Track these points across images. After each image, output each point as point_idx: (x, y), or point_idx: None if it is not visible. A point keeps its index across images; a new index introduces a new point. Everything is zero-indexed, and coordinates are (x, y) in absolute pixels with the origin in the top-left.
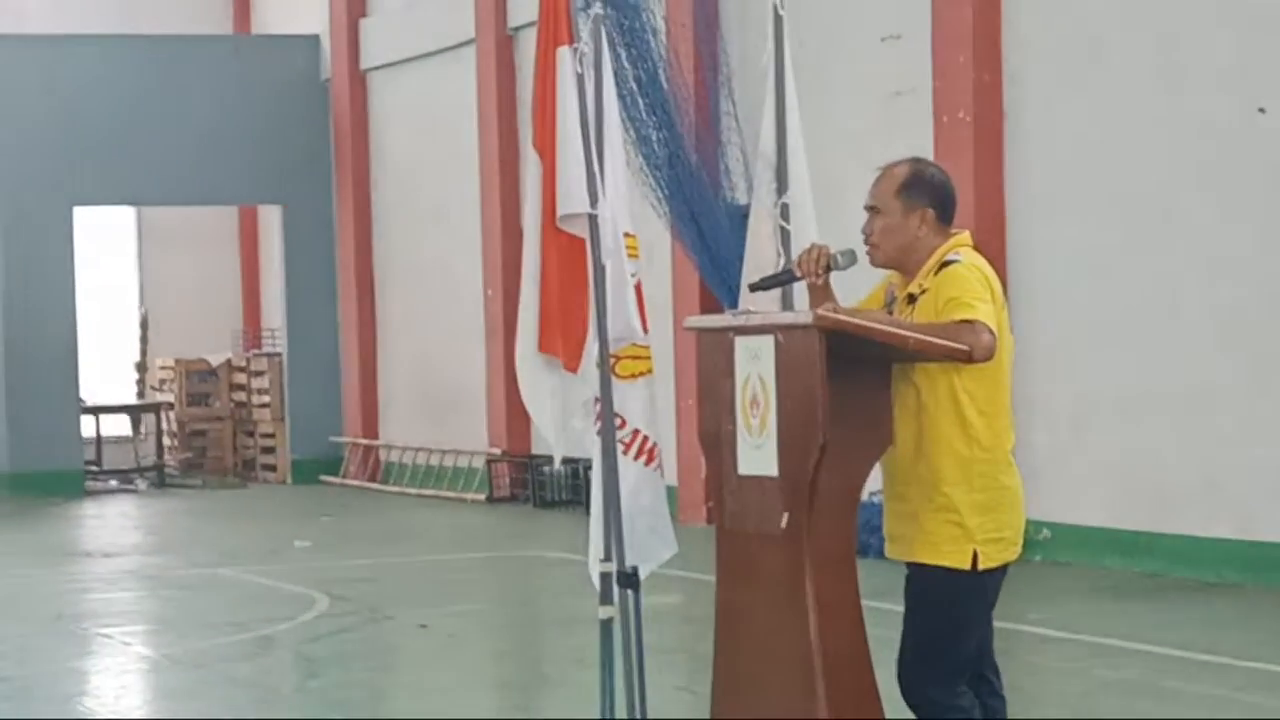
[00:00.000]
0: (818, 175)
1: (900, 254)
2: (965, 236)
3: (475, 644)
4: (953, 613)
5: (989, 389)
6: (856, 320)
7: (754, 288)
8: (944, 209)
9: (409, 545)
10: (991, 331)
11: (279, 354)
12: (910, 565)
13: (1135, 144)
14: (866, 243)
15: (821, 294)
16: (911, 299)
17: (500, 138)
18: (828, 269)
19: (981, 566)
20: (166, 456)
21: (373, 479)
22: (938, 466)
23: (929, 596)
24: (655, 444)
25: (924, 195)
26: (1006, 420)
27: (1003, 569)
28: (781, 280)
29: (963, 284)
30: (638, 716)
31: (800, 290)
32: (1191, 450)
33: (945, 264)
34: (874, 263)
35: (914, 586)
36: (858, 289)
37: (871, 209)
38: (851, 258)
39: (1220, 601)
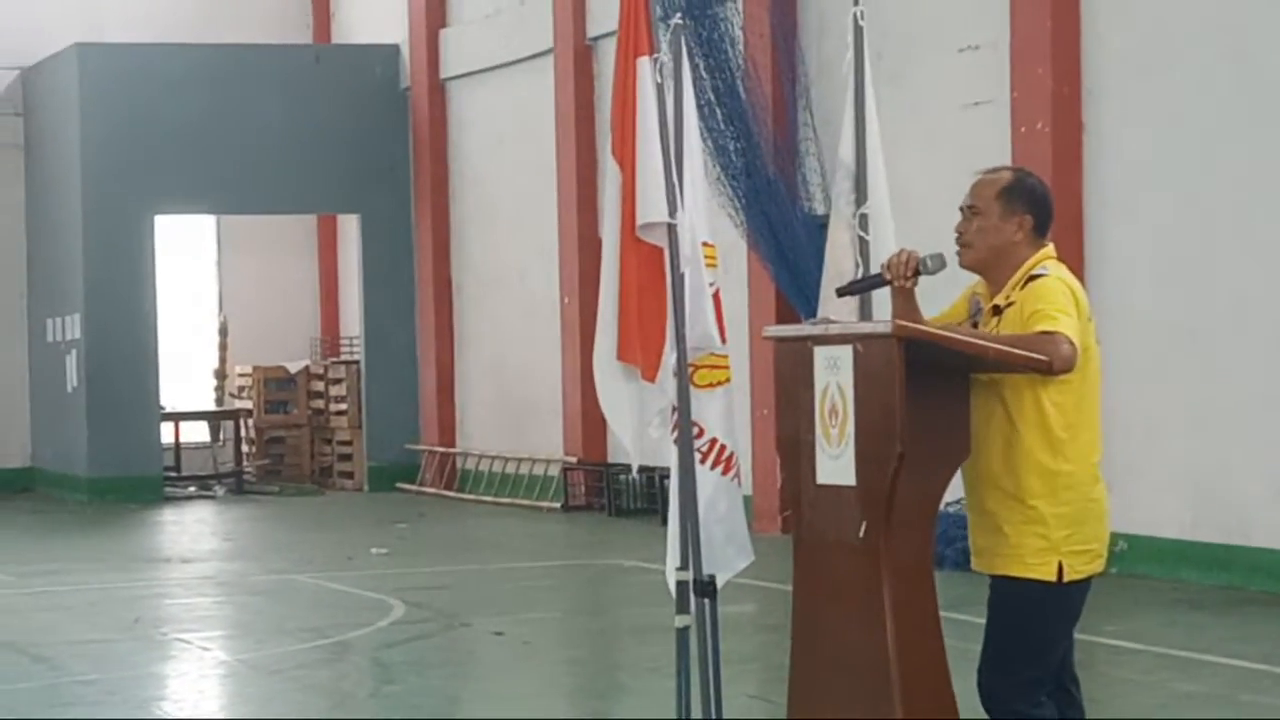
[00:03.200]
0: (896, 186)
1: (992, 256)
2: (1051, 249)
3: (551, 651)
4: (1037, 624)
5: (1076, 402)
6: (936, 330)
7: (841, 292)
8: (1041, 220)
9: (485, 553)
10: (1072, 343)
11: (357, 362)
12: (994, 577)
13: (1214, 156)
14: (959, 243)
15: (907, 298)
16: (997, 311)
17: (579, 147)
18: (916, 273)
19: (1067, 579)
20: (244, 463)
21: (449, 487)
22: (1024, 479)
23: (1013, 608)
24: (733, 453)
25: (1024, 203)
26: (1094, 434)
27: (1088, 582)
28: (870, 284)
29: (1049, 296)
30: None
31: (879, 300)
32: (1269, 462)
33: (1033, 277)
34: (963, 263)
35: (998, 597)
36: (943, 298)
37: (970, 208)
38: (941, 262)
39: None
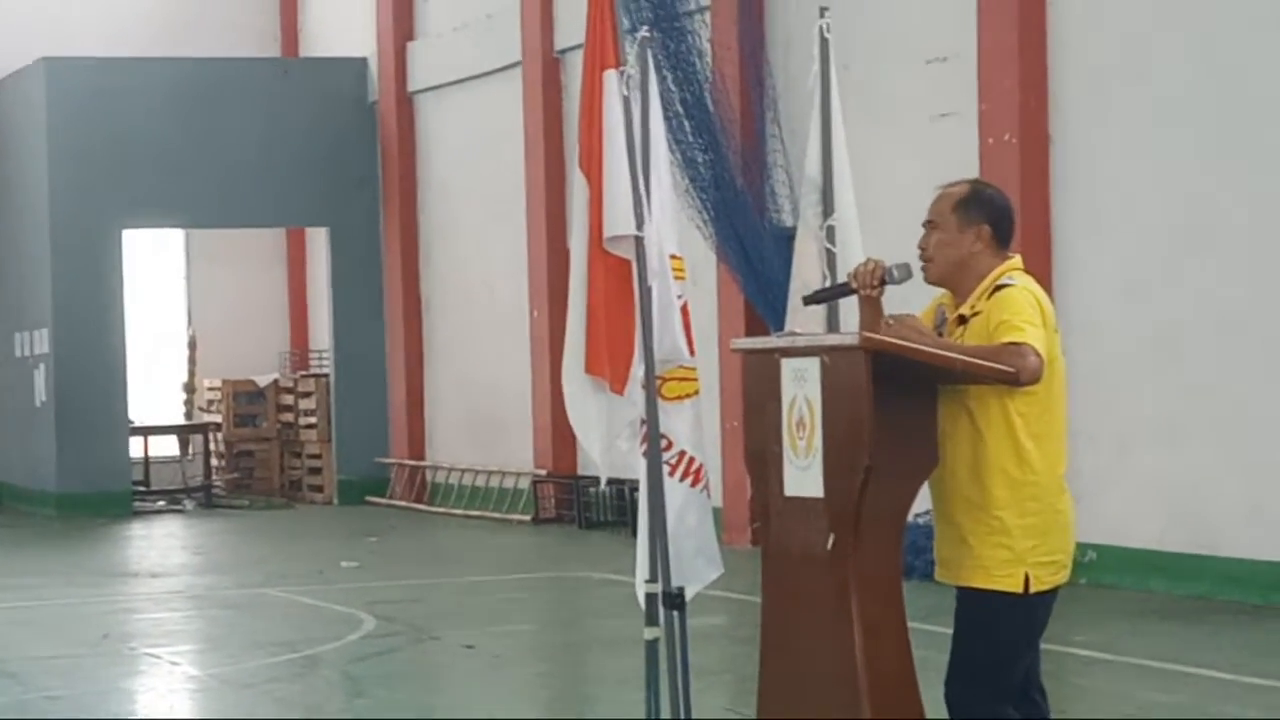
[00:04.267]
0: (863, 198)
1: (954, 270)
2: (1017, 260)
3: (521, 665)
4: (1002, 635)
5: (1042, 412)
6: (903, 342)
7: (808, 301)
8: (1001, 229)
9: (455, 566)
10: (1039, 354)
11: (326, 375)
12: (960, 588)
13: (1181, 167)
14: (922, 258)
15: (873, 308)
16: (962, 320)
17: (547, 160)
18: (882, 282)
19: (1033, 590)
20: (214, 477)
21: (419, 500)
22: (990, 490)
23: (979, 619)
24: (701, 465)
25: (981, 213)
26: (1060, 444)
27: (1053, 592)
28: (836, 293)
29: (1015, 307)
30: None
31: (846, 312)
32: (1238, 473)
33: (999, 287)
34: (928, 279)
35: (964, 609)
36: (909, 309)
37: (929, 224)
38: (906, 271)
39: (1268, 624)
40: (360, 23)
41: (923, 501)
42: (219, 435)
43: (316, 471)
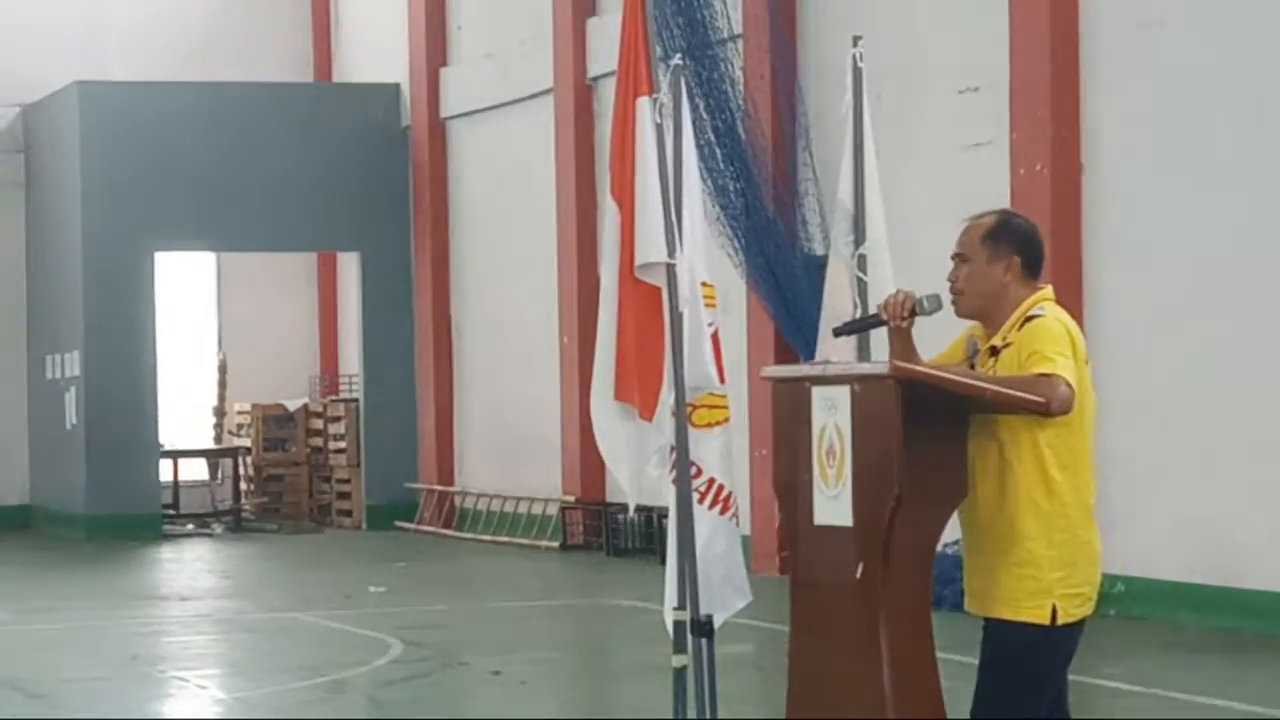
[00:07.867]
0: (895, 227)
1: (985, 302)
2: (1049, 291)
3: (548, 691)
4: (1029, 667)
5: (1071, 443)
6: (933, 371)
7: (838, 332)
8: (1031, 259)
9: (483, 592)
10: (1070, 385)
11: (356, 400)
12: (988, 619)
13: (1212, 199)
14: (952, 291)
15: (903, 339)
16: (994, 351)
17: (578, 187)
18: (912, 313)
19: (1060, 621)
20: (243, 501)
21: (447, 525)
22: (1018, 521)
23: (1006, 650)
24: (731, 493)
25: (1011, 244)
26: (1088, 475)
27: (1080, 624)
28: (866, 324)
29: (1046, 338)
30: None
31: (877, 341)
32: (1267, 505)
33: (1030, 318)
34: (959, 311)
35: (991, 640)
36: (941, 341)
37: (958, 256)
38: (937, 302)
39: None
40: (393, 49)
41: (952, 531)
42: (248, 459)
43: (345, 496)
